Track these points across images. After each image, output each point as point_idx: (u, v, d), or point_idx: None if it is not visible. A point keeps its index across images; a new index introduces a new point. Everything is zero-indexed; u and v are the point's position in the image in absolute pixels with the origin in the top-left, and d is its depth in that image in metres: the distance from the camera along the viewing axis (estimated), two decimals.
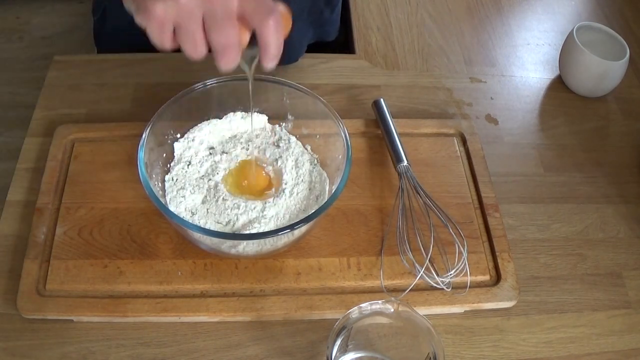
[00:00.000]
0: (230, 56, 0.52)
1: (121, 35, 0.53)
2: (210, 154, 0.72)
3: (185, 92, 0.69)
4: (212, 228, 0.65)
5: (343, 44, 1.02)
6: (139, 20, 0.52)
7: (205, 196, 0.68)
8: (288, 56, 0.83)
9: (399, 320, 0.59)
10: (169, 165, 0.70)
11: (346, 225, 0.71)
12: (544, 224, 0.77)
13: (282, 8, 0.53)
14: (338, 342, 0.57)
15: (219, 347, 0.64)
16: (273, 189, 0.70)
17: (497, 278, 0.68)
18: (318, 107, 0.69)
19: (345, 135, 0.67)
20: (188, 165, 0.70)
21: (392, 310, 0.58)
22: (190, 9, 0.50)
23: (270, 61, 0.53)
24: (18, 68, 0.98)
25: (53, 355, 0.62)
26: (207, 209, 0.67)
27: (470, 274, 0.66)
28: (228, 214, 0.66)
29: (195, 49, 0.52)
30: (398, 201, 0.70)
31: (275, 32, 0.52)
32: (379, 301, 0.58)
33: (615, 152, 0.86)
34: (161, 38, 0.52)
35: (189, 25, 0.51)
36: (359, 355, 0.61)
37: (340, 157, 0.67)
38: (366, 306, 0.58)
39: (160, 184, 0.68)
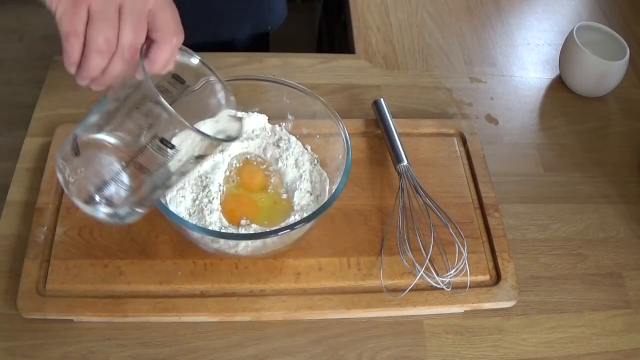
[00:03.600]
0: (133, 58, 0.50)
1: None
2: None
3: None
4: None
5: (343, 44, 1.02)
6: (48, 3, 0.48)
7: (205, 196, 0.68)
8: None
9: None
10: None
11: (346, 225, 0.71)
12: (544, 224, 0.77)
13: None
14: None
15: (219, 347, 0.64)
16: (270, 189, 0.70)
17: (497, 278, 0.68)
18: (318, 107, 0.69)
19: (345, 135, 0.67)
20: None
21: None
22: None
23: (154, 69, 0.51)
24: (18, 68, 0.97)
25: (53, 355, 0.62)
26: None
27: (470, 273, 0.66)
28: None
29: (107, 43, 0.48)
30: (398, 201, 0.70)
31: (170, 54, 0.50)
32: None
33: (615, 152, 0.86)
34: (72, 22, 0.47)
35: (108, 11, 0.47)
36: None
37: (340, 157, 0.67)
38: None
39: None
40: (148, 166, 0.51)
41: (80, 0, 0.48)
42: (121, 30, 0.48)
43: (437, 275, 0.65)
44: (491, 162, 0.79)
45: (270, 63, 0.91)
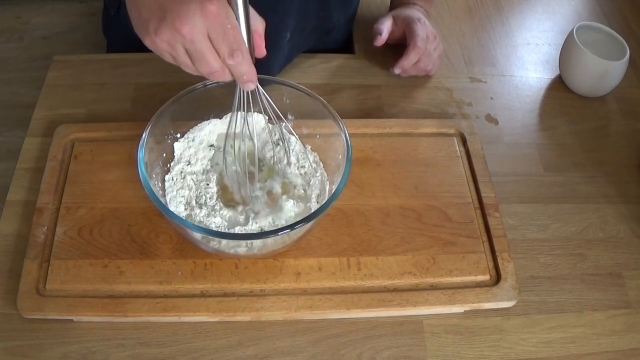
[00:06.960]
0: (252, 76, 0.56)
1: (133, 33, 0.56)
2: None
3: (185, 92, 0.69)
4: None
5: (343, 44, 1.02)
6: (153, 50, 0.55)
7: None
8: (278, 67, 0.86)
9: None
10: (169, 165, 0.70)
11: (346, 225, 0.71)
12: (544, 224, 0.77)
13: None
14: None
15: (219, 347, 0.64)
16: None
17: (497, 278, 0.68)
18: (318, 107, 0.69)
19: (345, 135, 0.67)
20: (188, 165, 0.70)
21: None
22: (193, 36, 0.51)
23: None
24: (18, 68, 0.98)
25: (53, 355, 0.62)
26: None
27: (470, 273, 0.66)
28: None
29: (211, 69, 0.54)
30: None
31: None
32: None
33: (615, 152, 0.86)
34: (180, 64, 0.55)
35: (199, 48, 0.52)
36: None
37: (340, 157, 0.67)
38: None
39: (160, 184, 0.68)
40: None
41: (176, 46, 0.53)
42: (219, 51, 0.53)
43: None
44: (491, 162, 0.79)
45: None
